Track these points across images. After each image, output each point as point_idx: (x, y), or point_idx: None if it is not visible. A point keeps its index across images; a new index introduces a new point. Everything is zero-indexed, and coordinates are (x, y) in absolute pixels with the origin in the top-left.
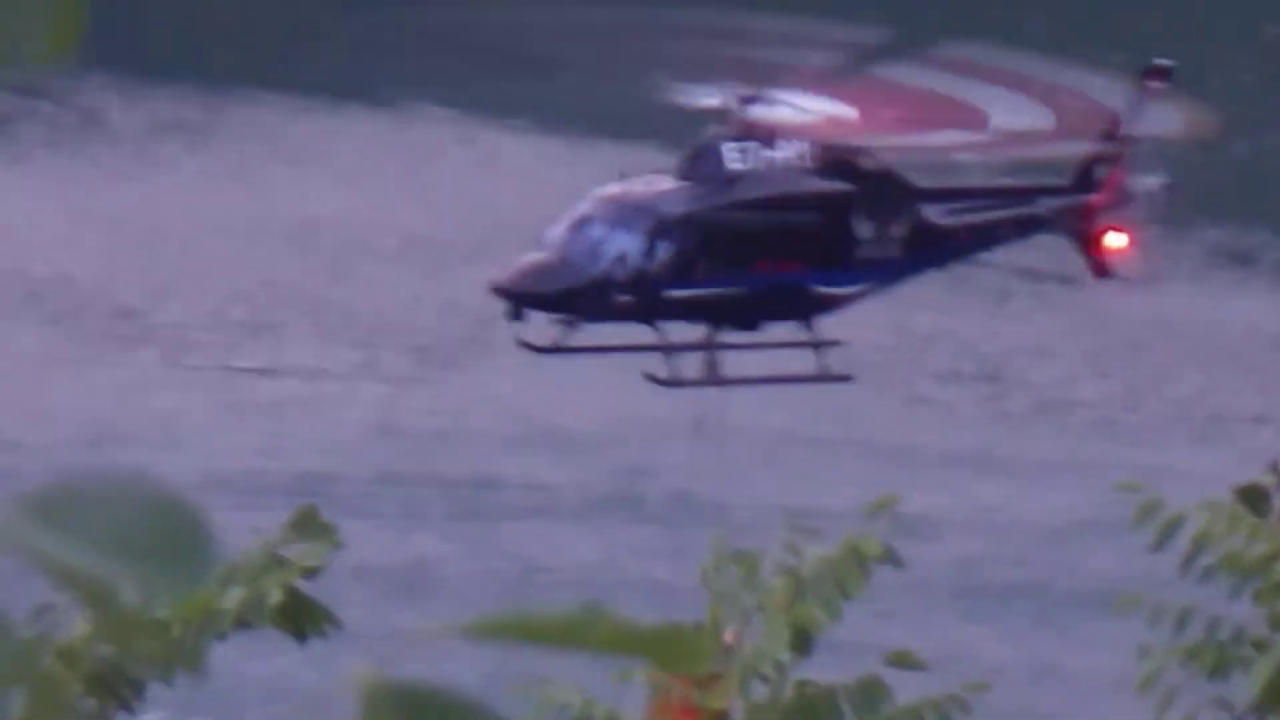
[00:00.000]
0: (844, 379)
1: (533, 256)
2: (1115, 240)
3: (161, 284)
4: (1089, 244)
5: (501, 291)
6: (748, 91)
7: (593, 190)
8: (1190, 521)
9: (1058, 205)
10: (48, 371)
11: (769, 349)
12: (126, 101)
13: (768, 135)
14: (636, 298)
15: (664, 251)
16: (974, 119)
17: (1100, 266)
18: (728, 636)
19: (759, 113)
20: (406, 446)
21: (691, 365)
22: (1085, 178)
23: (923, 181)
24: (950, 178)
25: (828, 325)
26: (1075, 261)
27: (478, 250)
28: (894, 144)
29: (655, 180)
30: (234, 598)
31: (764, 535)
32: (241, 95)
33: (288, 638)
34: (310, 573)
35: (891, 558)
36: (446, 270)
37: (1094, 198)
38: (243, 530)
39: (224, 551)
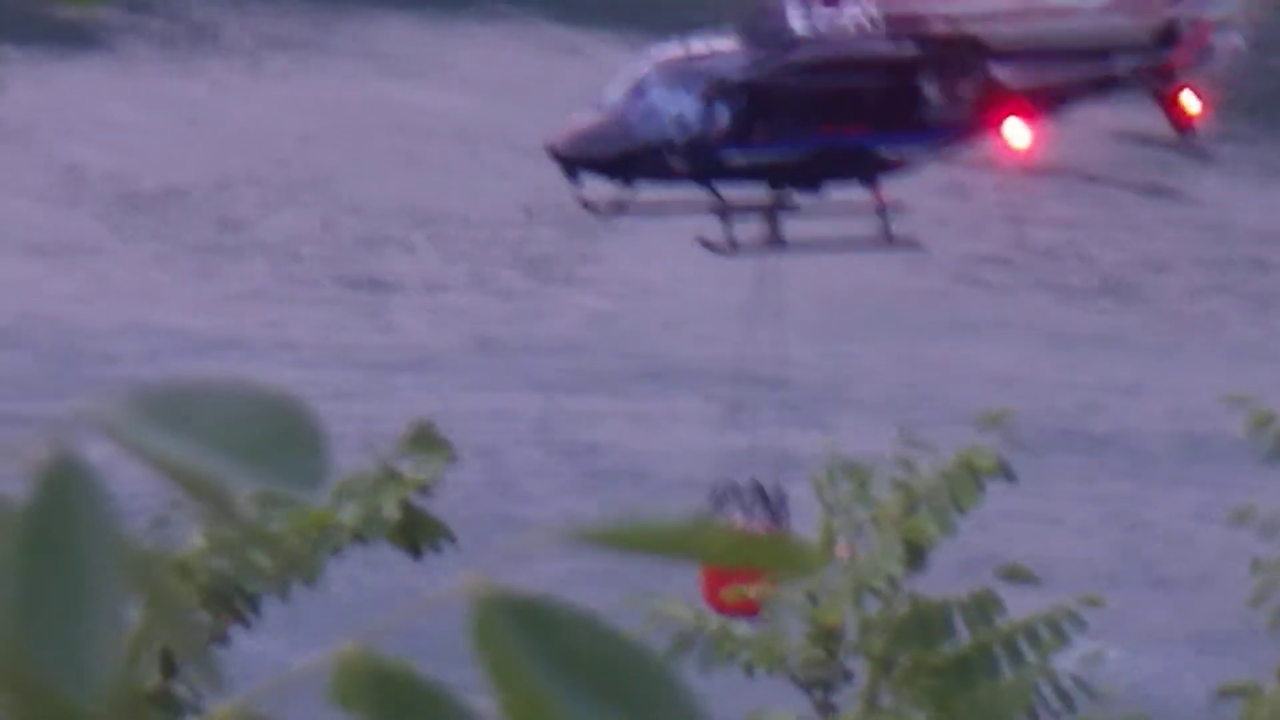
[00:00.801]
0: (912, 245)
1: (588, 118)
2: (1191, 101)
3: (272, 196)
4: (1169, 104)
5: (555, 154)
6: None
7: (652, 52)
8: None
9: (1136, 64)
10: (156, 283)
11: (834, 214)
12: (237, 16)
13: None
14: (693, 161)
15: (722, 114)
16: None
17: (1180, 125)
18: (840, 550)
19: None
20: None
21: (751, 229)
22: (1166, 34)
23: (994, 40)
24: (1024, 35)
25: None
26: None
27: None
28: (958, 12)
29: (716, 42)
30: (350, 513)
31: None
32: (351, 10)
33: (403, 552)
34: (425, 488)
35: (1004, 471)
36: (559, 181)
37: (1174, 55)
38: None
39: (337, 455)
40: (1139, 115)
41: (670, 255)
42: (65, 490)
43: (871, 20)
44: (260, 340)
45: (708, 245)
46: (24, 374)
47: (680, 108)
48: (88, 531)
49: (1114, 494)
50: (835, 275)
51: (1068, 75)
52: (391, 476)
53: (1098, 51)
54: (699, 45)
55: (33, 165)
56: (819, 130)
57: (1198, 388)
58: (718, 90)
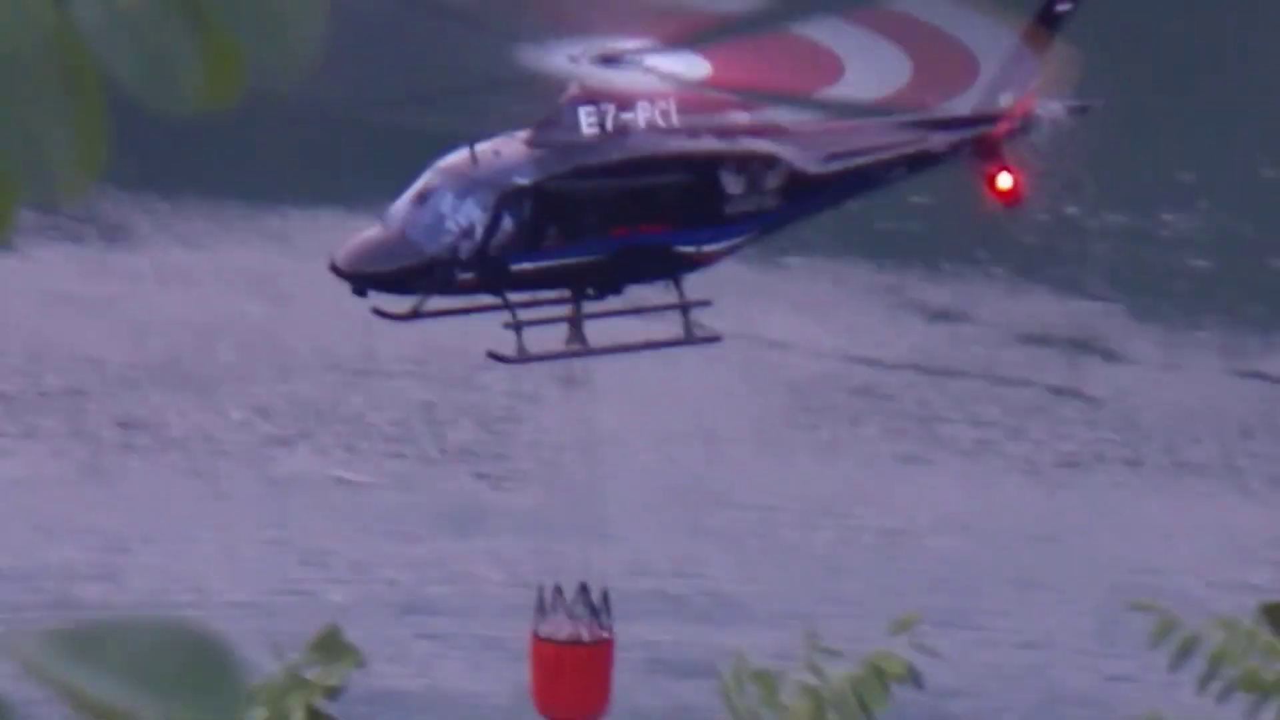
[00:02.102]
0: (713, 339)
1: (369, 233)
2: (1005, 181)
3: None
4: (987, 180)
5: (337, 272)
6: (604, 52)
7: (436, 162)
8: (1207, 640)
9: (954, 139)
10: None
11: (634, 314)
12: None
13: (625, 98)
14: (481, 271)
15: (511, 222)
16: (830, 67)
17: (1000, 201)
18: None
19: (615, 75)
20: None
21: (547, 337)
22: (987, 106)
23: (801, 127)
24: (833, 117)
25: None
26: None
27: None
28: (753, 107)
29: (505, 147)
30: (257, 718)
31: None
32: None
33: None
34: (331, 693)
35: (914, 678)
36: None
37: (994, 129)
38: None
39: (250, 684)
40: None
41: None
42: None
43: (669, 116)
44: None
45: (496, 357)
46: None
47: (467, 217)
48: None
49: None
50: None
51: (877, 158)
52: (299, 682)
53: (914, 127)
54: (486, 150)
55: None
56: (615, 231)
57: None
58: (505, 197)
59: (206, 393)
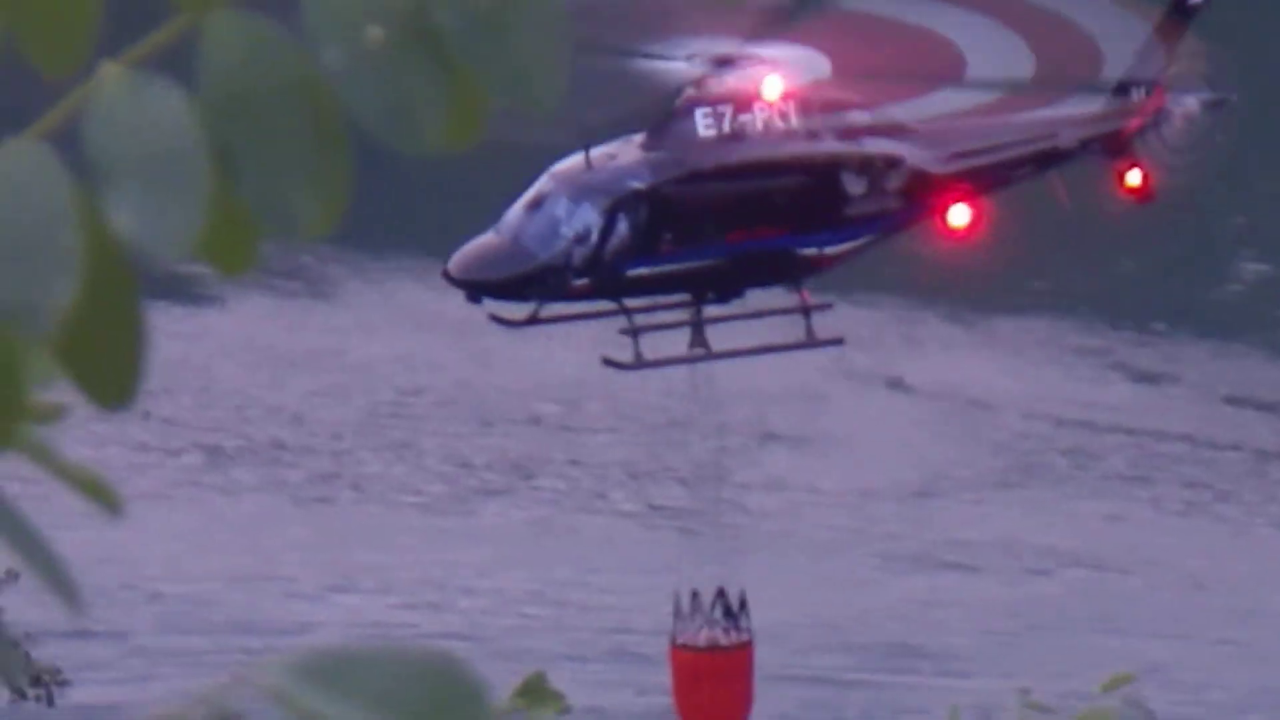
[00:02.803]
0: (835, 342)
1: (483, 239)
2: (1135, 178)
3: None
4: (1117, 178)
5: (449, 279)
6: (721, 53)
7: (553, 165)
8: None
9: (1083, 135)
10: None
11: (757, 317)
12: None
13: (743, 99)
14: (596, 277)
15: (626, 227)
16: (950, 58)
17: (1131, 198)
18: None
19: (732, 76)
20: None
21: (666, 342)
22: (1119, 95)
23: (923, 125)
24: (957, 112)
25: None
26: None
27: None
28: (873, 105)
29: (622, 151)
30: None
31: None
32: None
33: None
34: None
35: None
36: None
37: (1125, 124)
38: None
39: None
40: (1255, 376)
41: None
42: None
43: (784, 118)
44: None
45: (612, 363)
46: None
47: (581, 223)
48: None
49: None
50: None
51: (1003, 155)
52: None
53: (1040, 126)
54: (601, 155)
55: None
56: (733, 235)
57: None
58: (620, 202)
59: (407, 445)
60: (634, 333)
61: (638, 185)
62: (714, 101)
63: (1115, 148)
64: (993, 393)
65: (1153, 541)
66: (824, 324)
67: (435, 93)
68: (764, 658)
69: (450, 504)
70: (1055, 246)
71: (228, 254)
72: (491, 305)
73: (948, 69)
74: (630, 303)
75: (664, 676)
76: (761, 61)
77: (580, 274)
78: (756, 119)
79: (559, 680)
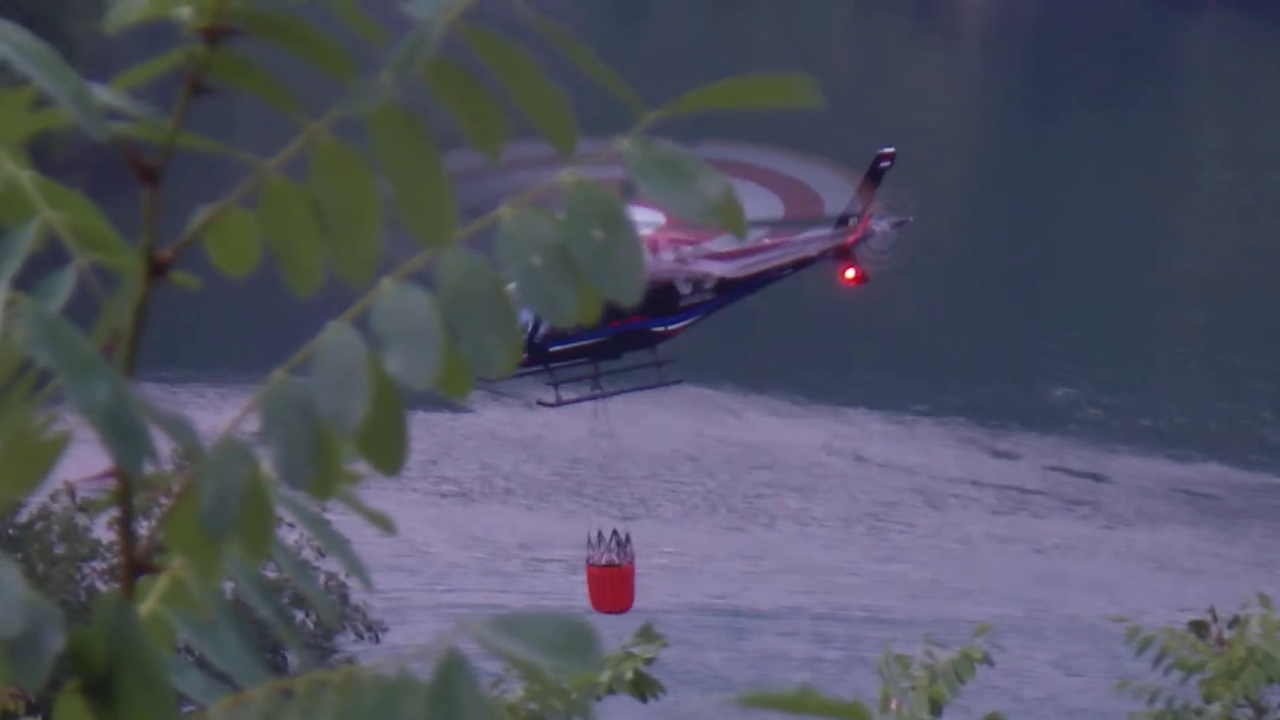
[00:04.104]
0: (677, 382)
1: None
2: (849, 273)
3: None
4: (840, 273)
5: None
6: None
7: None
8: (1158, 640)
9: (821, 249)
10: None
11: (629, 370)
12: None
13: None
14: (530, 355)
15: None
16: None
17: (849, 284)
18: (893, 705)
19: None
20: None
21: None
22: (840, 224)
23: (723, 248)
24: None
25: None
26: None
27: None
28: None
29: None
30: (605, 675)
31: None
32: None
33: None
34: (648, 662)
35: (988, 661)
36: None
37: (845, 241)
38: None
39: (603, 652)
40: None
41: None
42: (452, 671)
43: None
44: None
45: (543, 403)
46: None
47: (523, 319)
48: (466, 697)
49: None
50: None
51: (775, 262)
52: (628, 655)
53: (796, 240)
54: None
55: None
56: (614, 322)
57: None
58: None
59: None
60: (555, 384)
61: None
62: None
63: (840, 255)
64: None
65: None
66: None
67: (570, 292)
68: None
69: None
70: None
71: (454, 385)
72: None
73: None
74: (553, 365)
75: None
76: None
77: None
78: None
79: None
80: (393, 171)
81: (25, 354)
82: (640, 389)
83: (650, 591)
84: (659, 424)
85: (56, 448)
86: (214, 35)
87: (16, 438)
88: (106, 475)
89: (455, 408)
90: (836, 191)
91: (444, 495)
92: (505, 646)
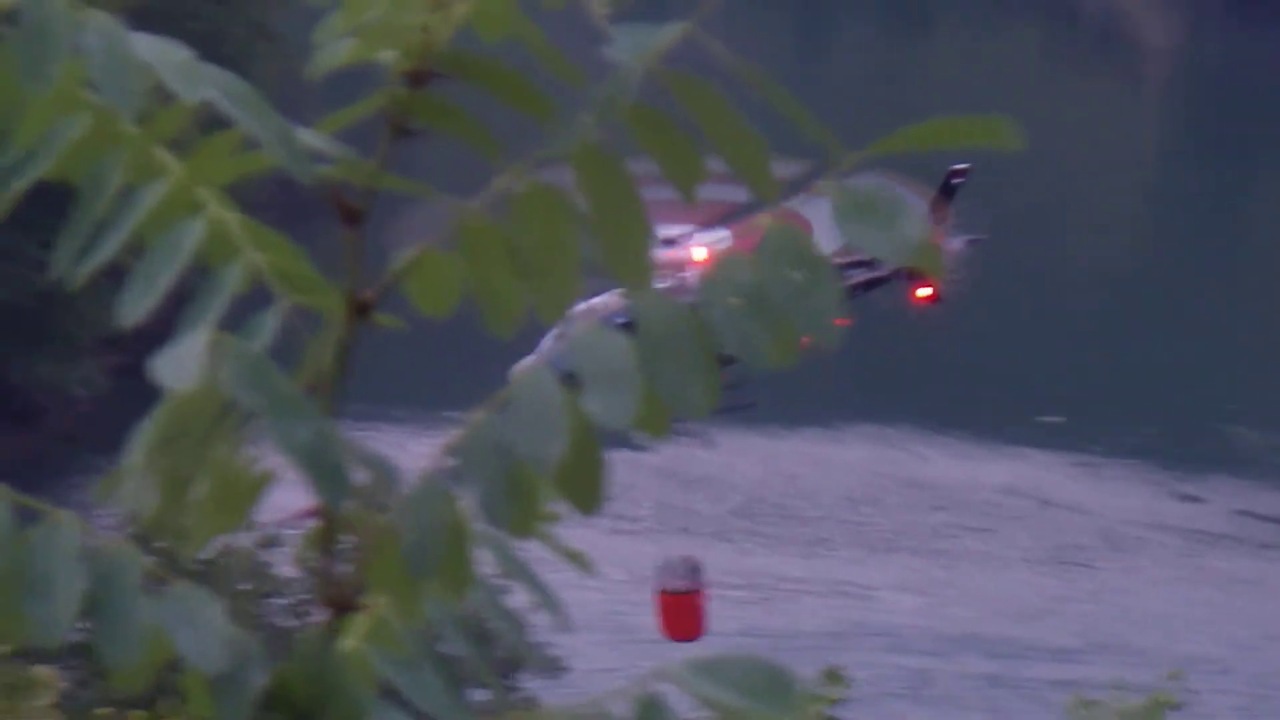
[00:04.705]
0: (749, 405)
1: (527, 361)
2: (923, 292)
3: None
4: (912, 294)
5: None
6: (664, 235)
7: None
8: None
9: (894, 267)
10: None
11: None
12: None
13: (678, 265)
14: None
15: None
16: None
17: (921, 304)
18: None
19: (671, 250)
20: None
21: None
22: None
23: None
24: None
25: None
26: None
27: None
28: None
29: (610, 299)
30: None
31: None
32: None
33: None
34: (833, 704)
35: (1179, 706)
36: None
37: None
38: None
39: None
40: None
41: None
42: (651, 714)
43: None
44: None
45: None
46: None
47: None
48: None
49: None
50: None
51: (849, 282)
52: (815, 698)
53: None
54: (598, 301)
55: None
56: None
57: None
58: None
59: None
60: None
61: (620, 320)
62: (662, 265)
63: (913, 274)
64: None
65: None
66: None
67: (768, 334)
68: None
69: None
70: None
71: (652, 426)
72: None
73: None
74: None
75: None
76: (693, 241)
77: None
78: (689, 275)
79: None
80: (595, 212)
81: (230, 394)
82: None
83: (832, 629)
84: (837, 463)
85: (260, 486)
86: (417, 79)
87: (222, 476)
88: (306, 514)
89: (630, 444)
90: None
91: (617, 532)
92: (704, 689)
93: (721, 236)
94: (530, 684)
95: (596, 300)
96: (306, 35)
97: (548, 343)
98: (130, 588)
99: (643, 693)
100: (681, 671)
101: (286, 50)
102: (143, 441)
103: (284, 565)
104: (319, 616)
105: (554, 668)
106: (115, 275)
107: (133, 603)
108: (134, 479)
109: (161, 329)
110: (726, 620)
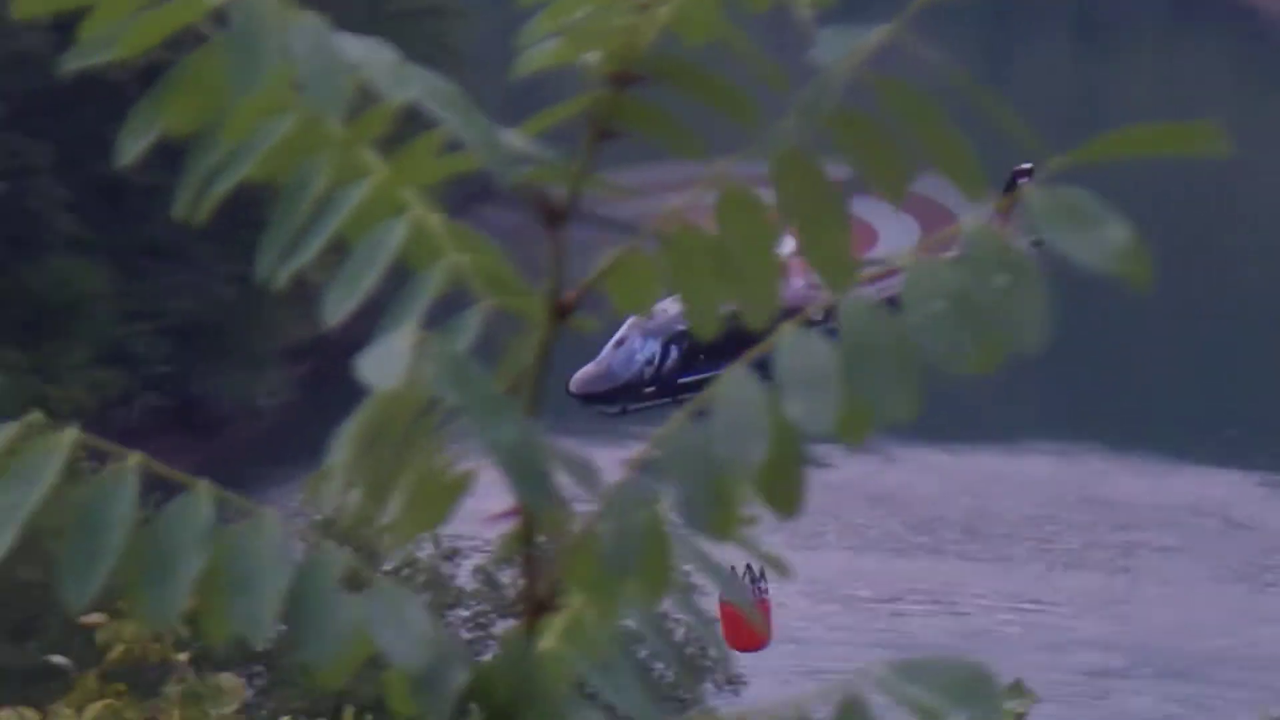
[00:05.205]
0: None
1: (589, 367)
2: None
3: None
4: None
5: (570, 393)
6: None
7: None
8: None
9: None
10: None
11: None
12: None
13: None
14: (658, 387)
15: (676, 353)
16: (869, 235)
17: None
18: None
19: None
20: None
21: None
22: None
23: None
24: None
25: None
26: None
27: None
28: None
29: (671, 304)
30: None
31: None
32: None
33: None
34: (1020, 718)
35: None
36: None
37: None
38: None
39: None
40: None
41: None
42: (853, 716)
43: None
44: None
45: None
46: None
47: (648, 353)
48: None
49: None
50: None
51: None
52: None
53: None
54: (659, 308)
55: None
56: (739, 353)
57: None
58: (671, 338)
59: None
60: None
61: (682, 327)
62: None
63: None
64: None
65: None
66: None
67: (973, 339)
68: None
69: None
70: None
71: (852, 432)
72: (597, 406)
73: (869, 242)
74: (681, 397)
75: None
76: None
77: (649, 385)
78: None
79: None
80: (796, 216)
81: (432, 393)
82: None
83: (1014, 643)
84: (1018, 479)
85: (460, 487)
86: (620, 81)
87: (422, 476)
88: (505, 515)
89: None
90: (972, 210)
91: (796, 548)
92: (907, 691)
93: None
94: (709, 695)
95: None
96: (482, 51)
97: (608, 351)
98: (331, 585)
99: (844, 694)
100: (883, 673)
101: (464, 64)
102: (346, 441)
103: (464, 578)
104: (500, 627)
105: (733, 683)
106: (299, 286)
107: (334, 600)
108: (337, 478)
109: (343, 339)
110: (910, 634)
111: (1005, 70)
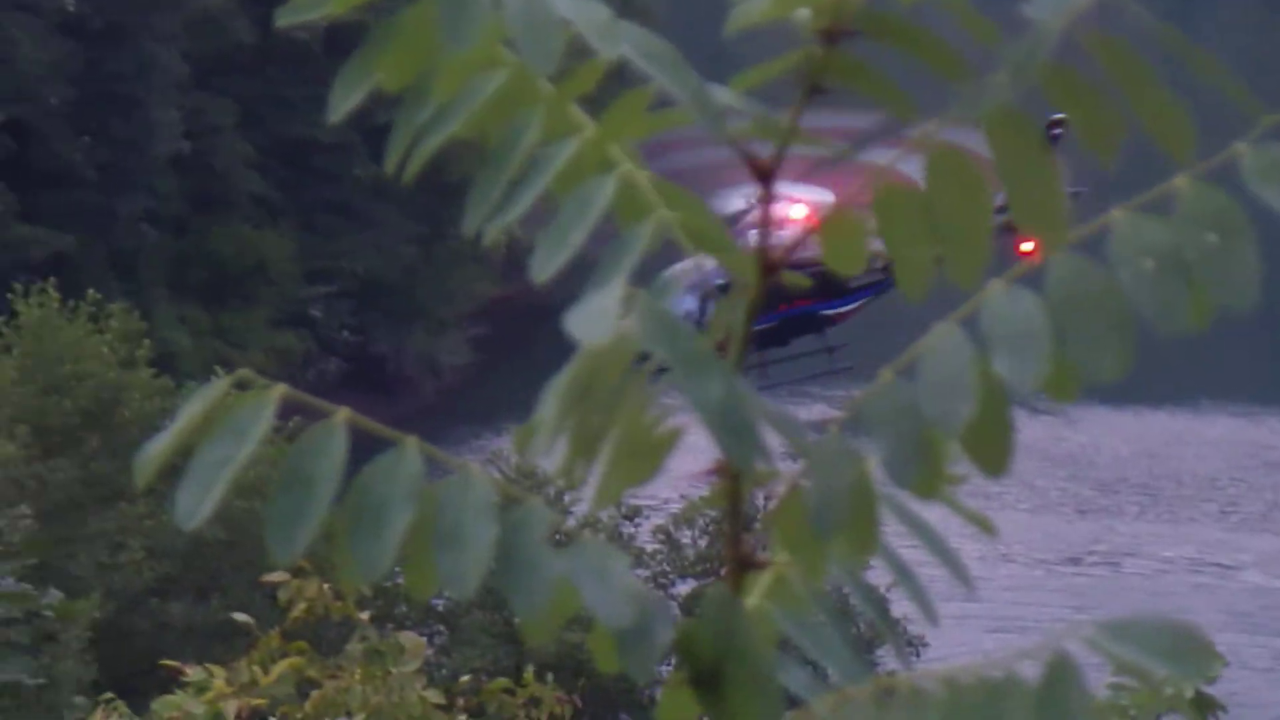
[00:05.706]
0: (847, 368)
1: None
2: (1026, 246)
3: None
4: (1016, 245)
5: None
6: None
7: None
8: None
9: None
10: None
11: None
12: None
13: (780, 221)
14: None
15: (712, 309)
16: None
17: (1024, 257)
18: None
19: (770, 209)
20: None
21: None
22: None
23: None
24: None
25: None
26: None
27: None
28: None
29: (707, 259)
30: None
31: None
32: None
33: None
34: (1210, 680)
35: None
36: None
37: None
38: None
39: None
40: None
41: None
42: (1062, 674)
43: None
44: None
45: None
46: None
47: (685, 307)
48: (1076, 701)
49: None
50: None
51: None
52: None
53: None
54: (696, 260)
55: None
56: (782, 305)
57: None
58: (710, 291)
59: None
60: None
61: (720, 280)
62: (760, 225)
63: (1012, 228)
64: None
65: None
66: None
67: (1184, 297)
68: None
69: None
70: None
71: (1061, 390)
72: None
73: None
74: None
75: None
76: (790, 198)
77: None
78: (788, 233)
79: None
80: (1007, 174)
81: (641, 348)
82: (810, 377)
83: (1195, 606)
84: (1200, 441)
85: (668, 443)
86: (832, 37)
87: (629, 433)
88: (711, 472)
89: None
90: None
91: (981, 509)
92: (1116, 649)
93: (820, 194)
94: (891, 663)
95: (687, 263)
96: (671, 10)
97: None
98: (539, 540)
99: (1053, 652)
100: (1092, 632)
101: (654, 24)
102: (555, 395)
103: (644, 538)
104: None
105: (913, 645)
106: (476, 247)
107: (541, 555)
108: (545, 432)
109: (521, 302)
110: (1093, 595)
111: (1188, 30)
